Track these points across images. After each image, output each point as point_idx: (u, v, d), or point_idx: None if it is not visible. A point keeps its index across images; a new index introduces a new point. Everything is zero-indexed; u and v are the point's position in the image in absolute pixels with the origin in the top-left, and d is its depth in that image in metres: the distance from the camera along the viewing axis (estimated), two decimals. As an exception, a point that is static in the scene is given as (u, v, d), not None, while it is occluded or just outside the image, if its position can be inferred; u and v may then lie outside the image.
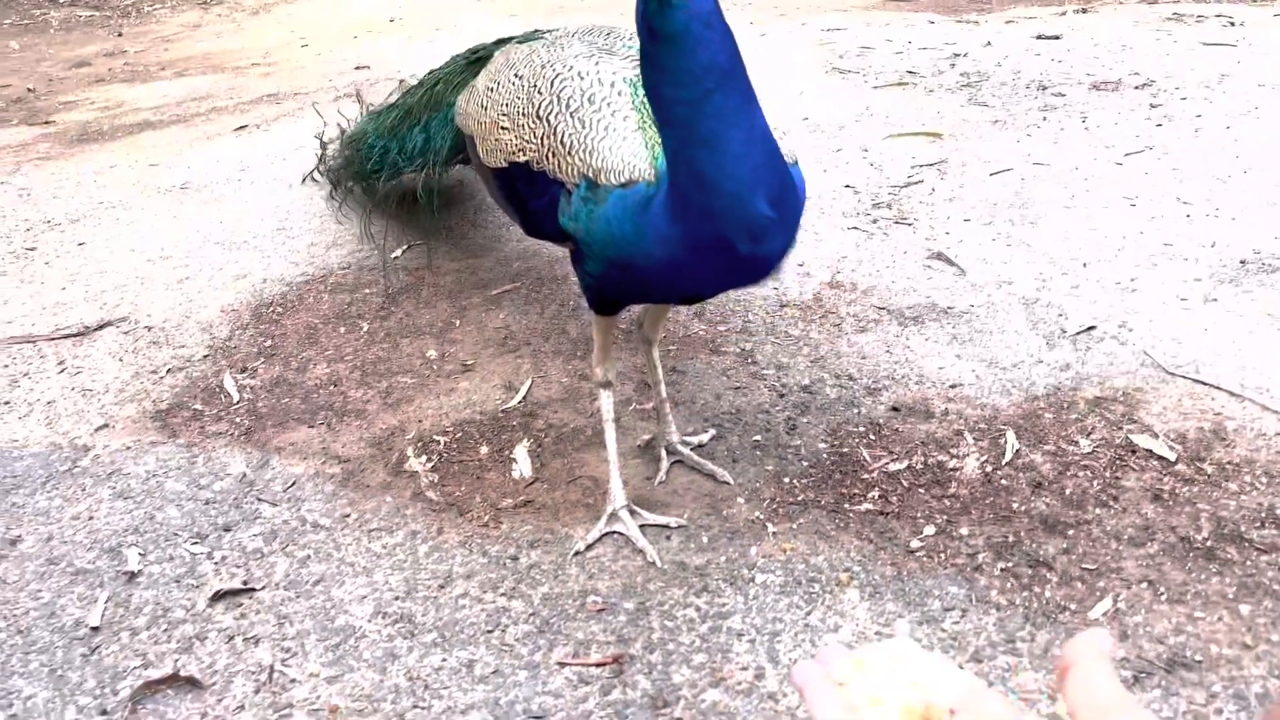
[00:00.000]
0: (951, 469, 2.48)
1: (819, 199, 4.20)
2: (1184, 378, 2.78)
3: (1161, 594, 2.03)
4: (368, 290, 3.63)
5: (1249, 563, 2.09)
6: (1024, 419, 2.65)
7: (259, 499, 2.52)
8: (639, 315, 2.85)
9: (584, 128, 2.07)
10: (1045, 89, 5.53)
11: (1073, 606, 2.02)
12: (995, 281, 3.43)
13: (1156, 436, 2.53)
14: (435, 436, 2.75)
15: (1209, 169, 4.20)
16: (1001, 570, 2.13)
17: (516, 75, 2.30)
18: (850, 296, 3.42)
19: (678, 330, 3.25)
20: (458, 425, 2.80)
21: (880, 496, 2.39)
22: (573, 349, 3.17)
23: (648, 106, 2.00)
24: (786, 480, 2.48)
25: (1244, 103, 5.00)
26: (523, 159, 2.19)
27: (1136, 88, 5.39)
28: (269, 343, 3.30)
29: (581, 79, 2.15)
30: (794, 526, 2.31)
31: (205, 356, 3.23)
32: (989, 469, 2.46)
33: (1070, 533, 2.22)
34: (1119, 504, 2.30)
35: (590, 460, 2.62)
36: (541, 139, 2.13)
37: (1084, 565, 2.12)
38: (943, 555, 2.18)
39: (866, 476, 2.47)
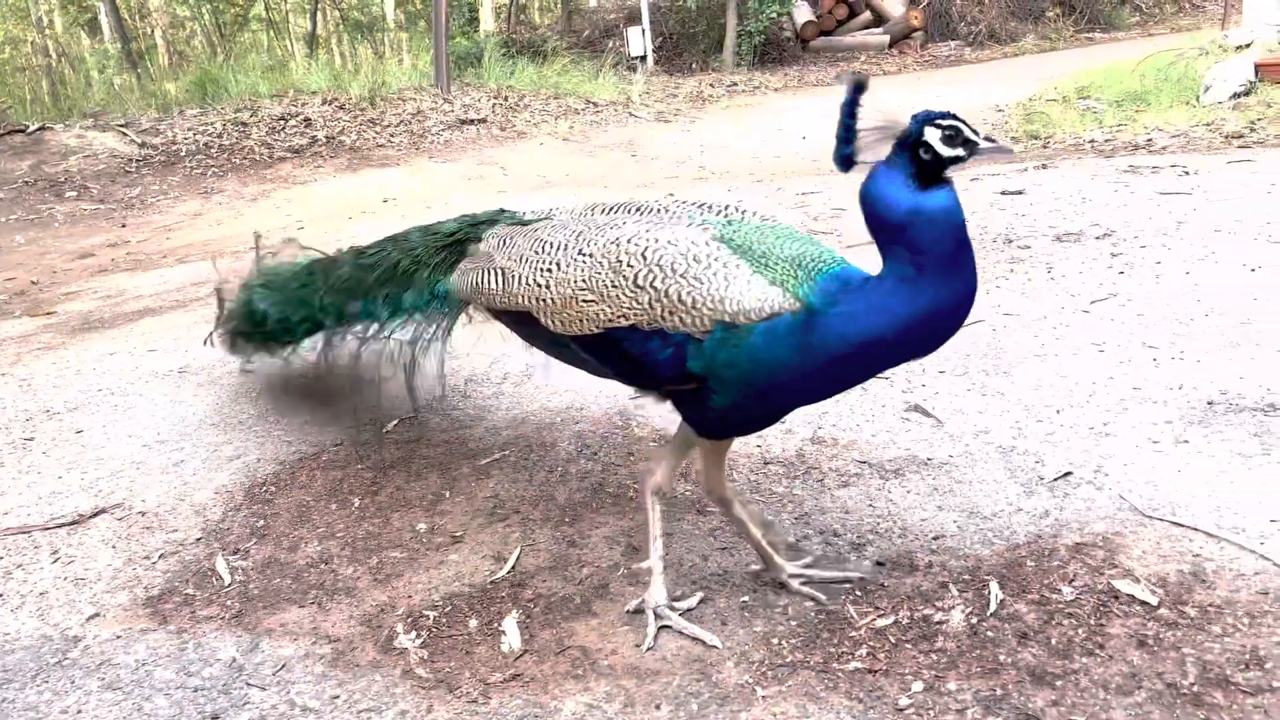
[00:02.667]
0: (938, 622, 2.49)
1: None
2: (1161, 520, 2.82)
3: (1153, 744, 2.02)
4: (359, 466, 3.69)
5: (1235, 707, 2.09)
6: (1007, 568, 2.68)
7: (248, 683, 2.51)
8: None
9: (701, 283, 2.33)
10: (1011, 241, 5.77)
11: (1065, 761, 2.01)
12: (972, 432, 3.51)
13: (1138, 581, 2.55)
14: (425, 611, 2.76)
15: (1172, 313, 4.35)
16: (992, 726, 2.12)
17: (581, 253, 2.52)
18: (832, 451, 3.49)
19: (664, 493, 3.30)
20: (447, 599, 2.82)
21: (868, 654, 2.40)
22: (561, 515, 3.22)
23: (748, 253, 2.37)
24: (775, 641, 2.49)
25: (1201, 248, 5.22)
26: (626, 323, 2.42)
27: (1098, 238, 5.63)
28: (261, 522, 3.34)
29: (674, 245, 2.40)
30: (783, 689, 2.30)
31: (198, 539, 3.26)
32: (974, 620, 2.48)
33: (1058, 683, 2.22)
34: (1105, 652, 2.31)
35: (580, 629, 2.63)
36: (649, 304, 2.37)
37: (1073, 717, 2.11)
38: (932, 712, 2.17)
39: (854, 634, 2.48)
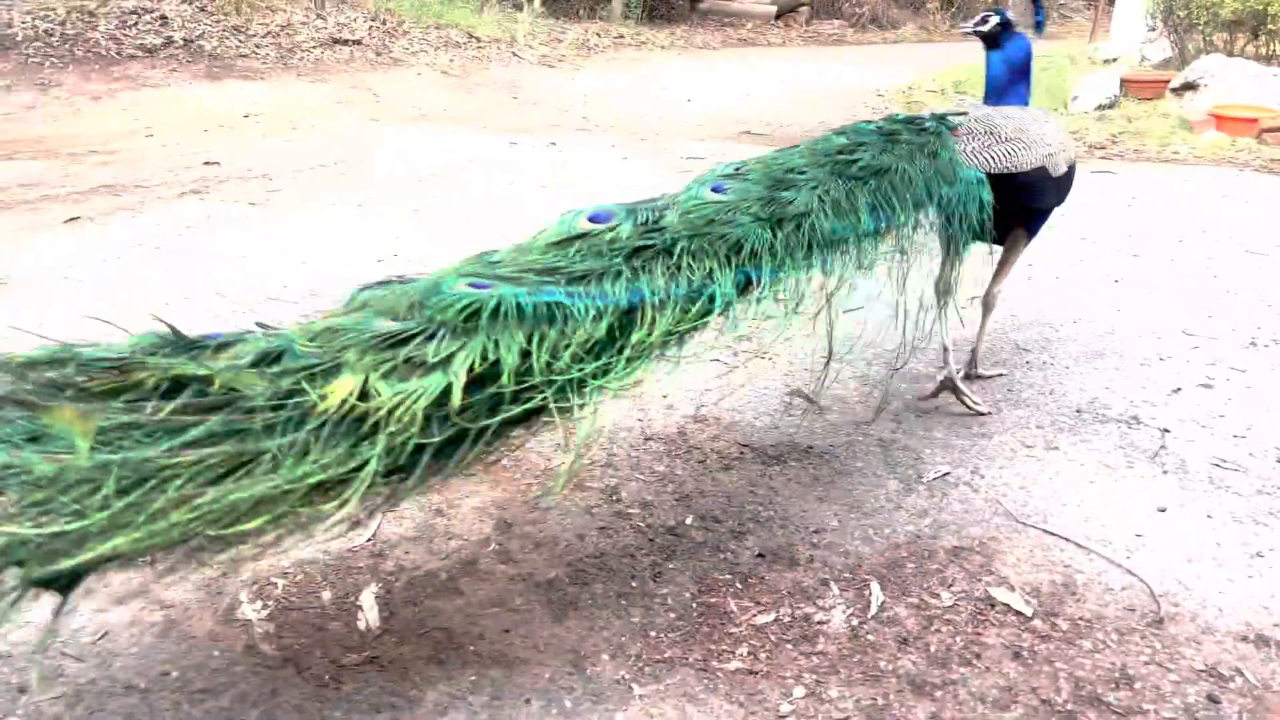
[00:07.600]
0: (819, 622, 2.43)
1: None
2: (1034, 528, 2.85)
3: (1028, 762, 2.01)
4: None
5: (1109, 728, 2.10)
6: (887, 568, 2.65)
7: (63, 653, 2.23)
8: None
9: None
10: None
11: (943, 777, 1.97)
12: (853, 422, 3.48)
13: (1013, 590, 2.56)
14: (272, 579, 2.53)
15: (1043, 319, 4.44)
16: (872, 736, 2.07)
17: (1042, 124, 3.45)
18: (714, 431, 3.40)
19: (540, 463, 3.14)
20: (298, 565, 2.58)
21: (749, 653, 2.31)
22: (428, 481, 3.01)
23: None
24: (653, 634, 2.37)
25: (1070, 254, 5.35)
26: (1066, 165, 3.47)
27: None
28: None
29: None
30: (661, 688, 2.19)
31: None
32: (855, 622, 2.43)
33: (937, 694, 2.19)
34: (982, 662, 2.30)
35: (445, 609, 2.45)
36: (1061, 150, 3.43)
37: (952, 731, 2.09)
38: (813, 720, 2.11)
39: (734, 630, 2.40)
